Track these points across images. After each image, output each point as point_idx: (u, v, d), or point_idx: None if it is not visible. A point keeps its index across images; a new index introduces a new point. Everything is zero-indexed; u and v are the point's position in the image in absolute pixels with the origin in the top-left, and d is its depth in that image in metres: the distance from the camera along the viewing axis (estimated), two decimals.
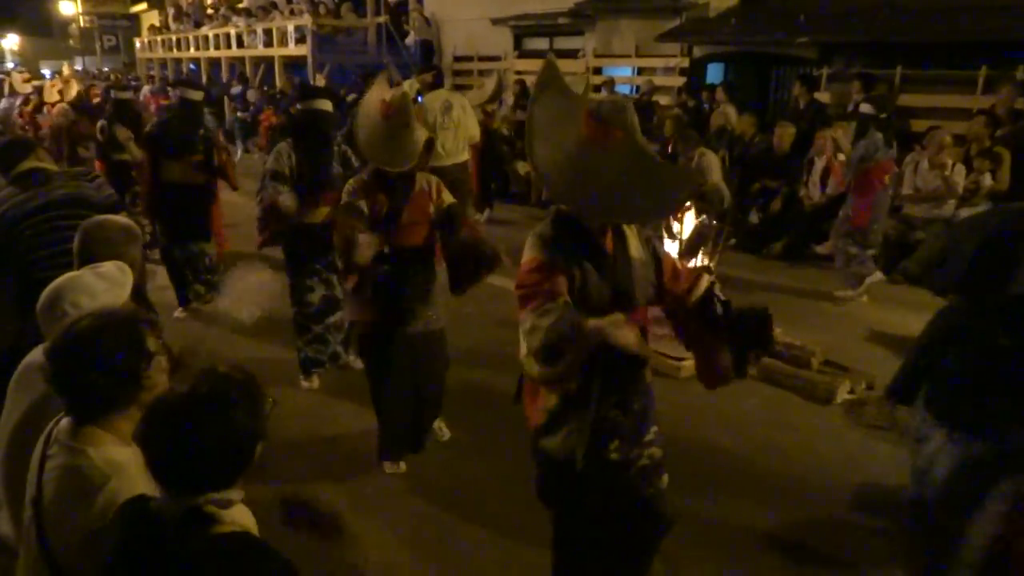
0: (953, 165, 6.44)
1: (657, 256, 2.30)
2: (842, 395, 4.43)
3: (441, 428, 3.94)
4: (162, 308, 2.76)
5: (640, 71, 11.88)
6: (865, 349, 5.19)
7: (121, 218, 2.60)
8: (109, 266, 2.13)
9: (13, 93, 12.38)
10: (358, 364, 4.50)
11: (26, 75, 14.15)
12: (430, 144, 3.12)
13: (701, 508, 3.20)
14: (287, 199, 4.00)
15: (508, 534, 3.16)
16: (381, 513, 3.37)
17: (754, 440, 3.95)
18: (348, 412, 4.24)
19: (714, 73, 11.37)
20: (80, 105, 9.74)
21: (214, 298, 5.61)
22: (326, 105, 4.27)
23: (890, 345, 5.14)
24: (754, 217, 7.70)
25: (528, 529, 2.90)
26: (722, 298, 2.28)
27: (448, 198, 3.37)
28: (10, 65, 40.24)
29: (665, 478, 2.35)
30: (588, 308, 2.01)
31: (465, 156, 6.79)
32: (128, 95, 7.52)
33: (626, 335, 1.84)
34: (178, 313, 5.76)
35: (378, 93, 3.31)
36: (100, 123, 6.92)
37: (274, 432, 3.78)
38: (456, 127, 6.51)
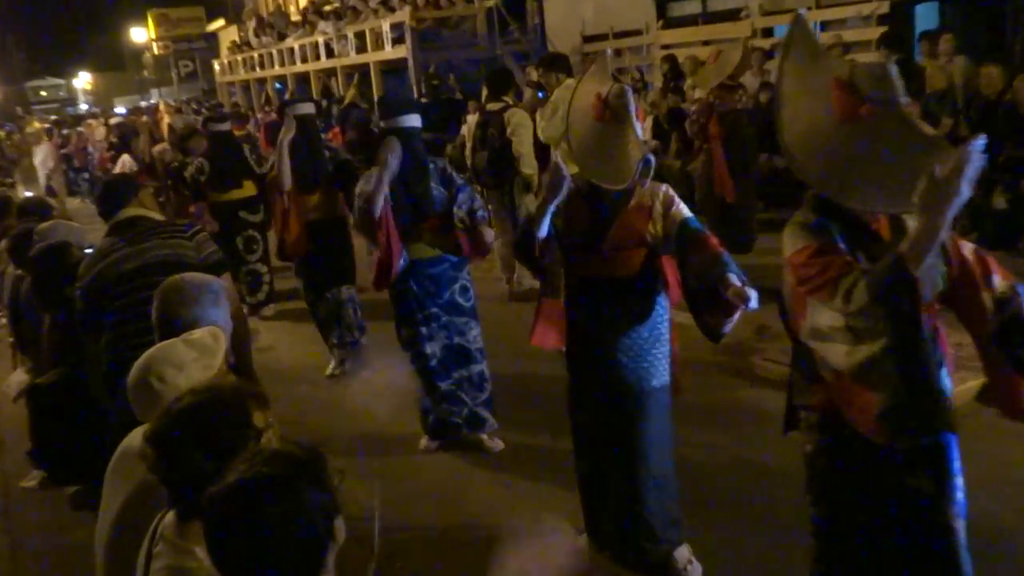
0: None
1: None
2: None
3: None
4: (265, 373, 2.94)
5: (824, 26, 11.51)
6: None
7: (202, 275, 2.78)
8: (201, 333, 2.30)
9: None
10: (498, 445, 4.61)
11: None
12: (647, 163, 2.99)
13: None
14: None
15: None
16: None
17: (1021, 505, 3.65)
18: (482, 491, 4.30)
19: (925, 17, 10.84)
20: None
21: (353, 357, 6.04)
22: (415, 121, 4.41)
23: None
24: (1000, 200, 7.19)
25: None
26: None
27: (681, 214, 3.08)
28: (84, 107, 44.75)
29: None
30: None
31: None
32: (226, 127, 8.05)
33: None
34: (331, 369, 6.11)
35: (591, 86, 3.11)
36: (198, 162, 7.48)
37: (405, 513, 3.90)
38: None
